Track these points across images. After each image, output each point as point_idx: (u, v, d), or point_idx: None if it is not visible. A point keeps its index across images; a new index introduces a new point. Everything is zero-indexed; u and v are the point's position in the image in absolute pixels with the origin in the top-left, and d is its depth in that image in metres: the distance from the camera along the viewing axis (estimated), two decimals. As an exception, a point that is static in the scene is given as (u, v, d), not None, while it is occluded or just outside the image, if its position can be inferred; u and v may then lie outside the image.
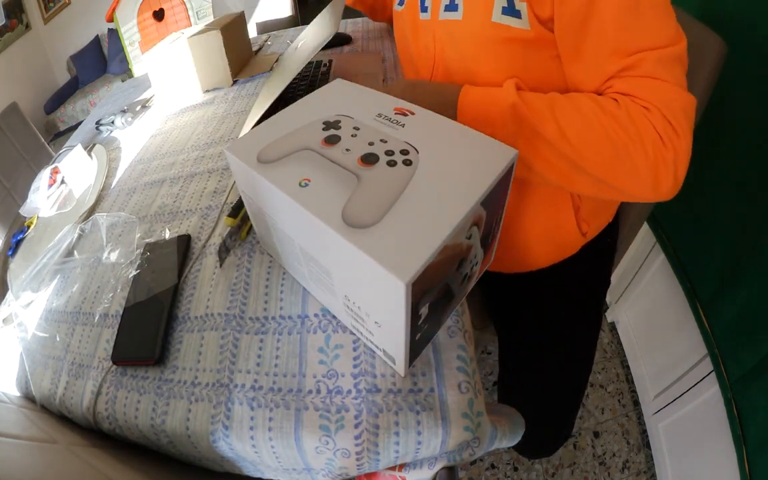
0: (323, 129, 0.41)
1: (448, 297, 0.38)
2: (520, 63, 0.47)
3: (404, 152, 0.37)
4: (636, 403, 1.12)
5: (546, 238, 0.61)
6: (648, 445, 1.04)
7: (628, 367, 1.18)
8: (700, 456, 0.84)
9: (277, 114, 0.45)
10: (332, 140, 0.39)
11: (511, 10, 0.45)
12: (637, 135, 0.39)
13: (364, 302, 0.35)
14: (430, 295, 0.33)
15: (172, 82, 0.95)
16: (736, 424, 0.69)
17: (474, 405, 0.36)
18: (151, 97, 1.00)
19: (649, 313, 1.09)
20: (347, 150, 0.38)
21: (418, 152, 0.37)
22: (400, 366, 0.37)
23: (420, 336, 0.35)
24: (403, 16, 0.61)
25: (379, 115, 0.42)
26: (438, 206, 0.32)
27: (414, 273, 0.28)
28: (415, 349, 0.36)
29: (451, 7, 0.51)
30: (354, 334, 0.41)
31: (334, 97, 0.46)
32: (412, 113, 0.42)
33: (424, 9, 0.56)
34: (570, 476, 1.03)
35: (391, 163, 0.36)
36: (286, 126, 0.42)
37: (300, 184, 0.35)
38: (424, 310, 0.33)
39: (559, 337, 0.66)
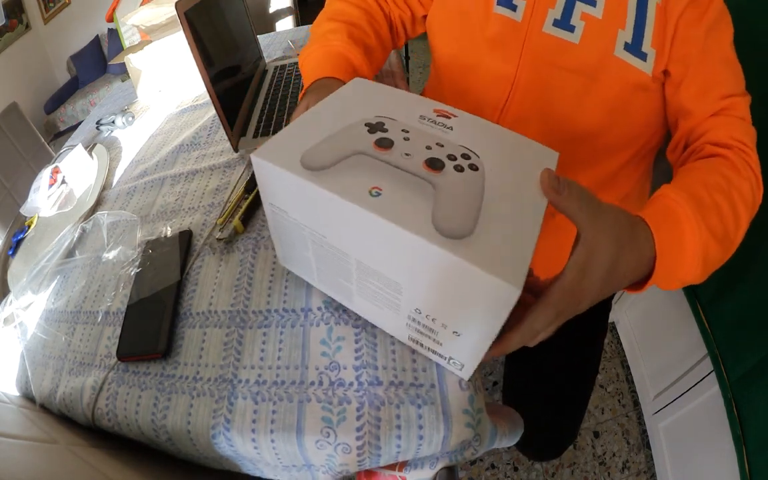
0: (369, 131, 0.37)
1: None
2: (626, 106, 0.45)
3: (465, 156, 0.35)
4: (636, 403, 1.12)
5: None
6: (648, 445, 1.04)
7: (628, 367, 1.18)
8: (700, 456, 0.84)
9: (299, 118, 0.40)
10: (385, 144, 0.36)
11: (635, 50, 0.42)
12: (754, 202, 0.44)
13: (443, 313, 0.33)
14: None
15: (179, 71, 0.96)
16: (736, 424, 0.69)
17: (475, 401, 0.36)
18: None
19: (649, 313, 1.09)
20: (407, 154, 0.35)
21: (479, 156, 0.35)
22: (468, 370, 0.36)
23: None
24: (451, 7, 0.50)
25: (422, 117, 0.39)
26: (516, 208, 0.31)
27: (523, 277, 0.27)
28: None
29: (565, 24, 0.44)
30: (397, 339, 0.40)
31: (361, 98, 0.42)
32: (454, 116, 0.40)
33: (511, 6, 0.46)
34: (570, 476, 1.03)
35: (458, 168, 0.34)
36: (319, 130, 0.38)
37: (371, 194, 0.31)
38: None
39: (565, 342, 0.65)
